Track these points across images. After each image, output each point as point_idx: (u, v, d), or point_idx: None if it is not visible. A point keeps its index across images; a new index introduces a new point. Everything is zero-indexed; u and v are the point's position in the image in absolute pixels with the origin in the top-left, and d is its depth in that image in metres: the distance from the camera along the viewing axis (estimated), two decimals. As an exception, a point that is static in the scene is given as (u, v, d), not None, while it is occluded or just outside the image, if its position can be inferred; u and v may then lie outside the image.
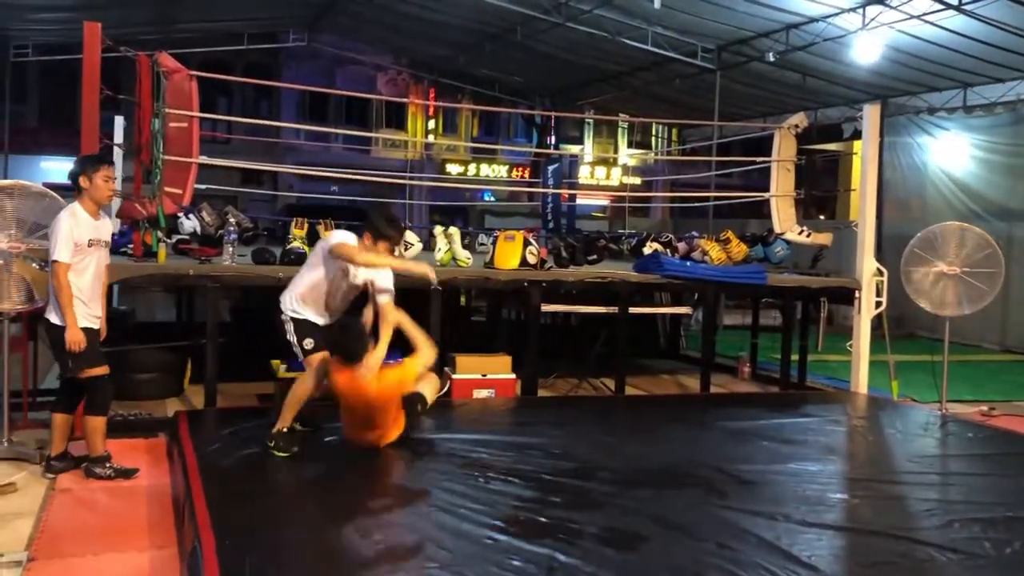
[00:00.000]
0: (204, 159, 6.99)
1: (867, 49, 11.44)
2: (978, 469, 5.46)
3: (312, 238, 7.06)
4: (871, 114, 7.95)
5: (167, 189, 6.48)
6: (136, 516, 4.53)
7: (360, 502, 4.19)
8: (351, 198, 16.65)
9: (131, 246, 6.81)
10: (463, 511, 4.14)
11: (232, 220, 6.63)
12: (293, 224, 7.03)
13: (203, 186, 8.71)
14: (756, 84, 14.56)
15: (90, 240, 5.02)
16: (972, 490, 4.94)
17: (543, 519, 4.07)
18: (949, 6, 10.05)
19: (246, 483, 4.52)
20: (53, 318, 4.99)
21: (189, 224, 8.14)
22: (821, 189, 14.93)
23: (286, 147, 25.04)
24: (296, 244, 6.79)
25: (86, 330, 4.97)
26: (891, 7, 10.59)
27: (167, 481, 5.07)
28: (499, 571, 3.42)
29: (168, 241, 6.81)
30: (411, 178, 22.42)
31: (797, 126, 8.27)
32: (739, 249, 8.06)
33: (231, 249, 6.43)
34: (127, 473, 5.11)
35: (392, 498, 4.29)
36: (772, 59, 12.64)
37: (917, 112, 14.05)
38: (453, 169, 27.32)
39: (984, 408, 7.93)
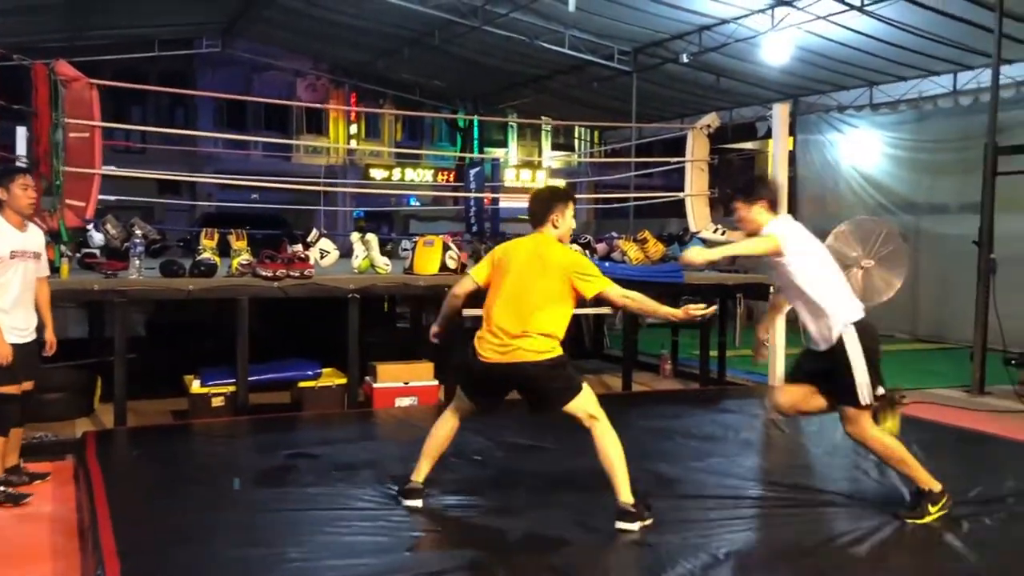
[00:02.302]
0: (110, 170, 6.78)
1: (777, 50, 11.71)
2: (889, 457, 5.60)
3: (223, 248, 6.89)
4: (780, 112, 8.11)
5: (69, 202, 6.25)
6: (38, 543, 4.33)
7: (272, 520, 4.09)
8: (274, 206, 16.26)
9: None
10: (381, 524, 4.08)
11: (138, 232, 6.41)
12: (203, 235, 6.84)
13: (113, 197, 8.45)
14: (672, 86, 14.77)
15: (12, 252, 4.85)
16: (884, 478, 5.05)
17: (462, 528, 4.04)
18: (851, 7, 10.35)
19: (154, 506, 4.37)
20: None
21: (99, 237, 7.85)
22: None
23: (204, 156, 24.48)
24: (207, 255, 6.61)
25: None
26: (798, 8, 10.86)
27: (73, 506, 4.87)
28: (415, 584, 3.37)
29: (71, 255, 6.55)
30: (333, 184, 22.15)
31: (709, 126, 8.40)
32: (656, 248, 8.15)
33: (137, 262, 6.22)
34: (16, 499, 4.90)
35: (306, 514, 4.18)
36: (686, 60, 12.85)
37: (827, 110, 14.44)
38: (377, 174, 27.08)
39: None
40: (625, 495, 4.04)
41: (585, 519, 4.15)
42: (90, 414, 7.08)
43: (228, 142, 20.71)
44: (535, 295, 4.14)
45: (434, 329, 4.63)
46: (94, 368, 7.25)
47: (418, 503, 4.24)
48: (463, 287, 4.36)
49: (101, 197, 7.39)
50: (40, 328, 5.13)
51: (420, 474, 4.28)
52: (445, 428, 4.30)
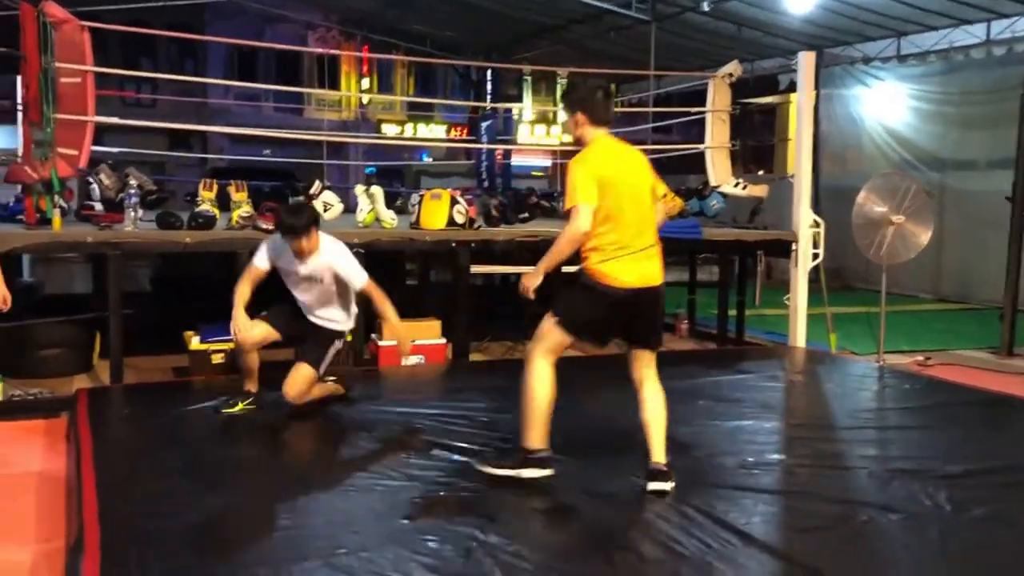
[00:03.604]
0: (105, 119, 6.51)
1: (802, -3, 11.23)
2: (915, 422, 5.35)
3: (222, 200, 6.65)
4: (805, 62, 7.73)
5: (61, 150, 5.99)
6: (24, 506, 4.14)
7: (266, 485, 3.89)
8: (285, 160, 16.00)
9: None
10: (378, 490, 3.86)
11: (133, 183, 6.15)
12: (201, 186, 6.58)
13: (116, 150, 8.21)
14: (692, 36, 14.27)
15: None
16: (910, 444, 4.82)
17: (464, 495, 3.81)
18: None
19: (142, 467, 4.18)
20: None
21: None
22: (749, 140, 14.78)
23: (215, 108, 24.14)
24: (205, 207, 6.36)
25: None
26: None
27: (64, 466, 4.69)
28: (412, 555, 3.15)
29: (65, 206, 6.32)
30: (344, 138, 21.77)
31: (731, 75, 8.02)
32: (674, 203, 7.82)
33: (132, 214, 5.98)
34: None
35: (301, 480, 3.97)
36: (707, 9, 12.37)
37: (852, 62, 13.95)
38: (389, 129, 26.70)
39: (920, 358, 7.88)
40: (661, 455, 3.86)
41: (592, 486, 3.93)
42: (89, 370, 6.91)
43: (239, 95, 20.39)
44: (650, 209, 3.88)
45: (536, 281, 3.84)
46: (92, 323, 7.05)
47: (550, 471, 3.85)
48: (589, 219, 3.66)
49: (111, 150, 7.19)
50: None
51: (542, 439, 3.82)
52: (551, 384, 3.88)
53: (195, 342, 6.38)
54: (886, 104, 13.70)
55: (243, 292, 5.04)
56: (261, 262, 5.12)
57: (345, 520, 3.51)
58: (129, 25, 11.42)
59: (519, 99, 28.81)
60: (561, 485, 3.95)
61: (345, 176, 22.96)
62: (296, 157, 18.18)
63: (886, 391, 6.26)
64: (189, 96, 18.04)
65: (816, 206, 8.13)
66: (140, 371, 6.78)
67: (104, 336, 6.79)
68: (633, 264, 3.76)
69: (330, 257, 5.09)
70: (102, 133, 14.10)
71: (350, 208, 7.48)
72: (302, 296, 5.21)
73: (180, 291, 9.37)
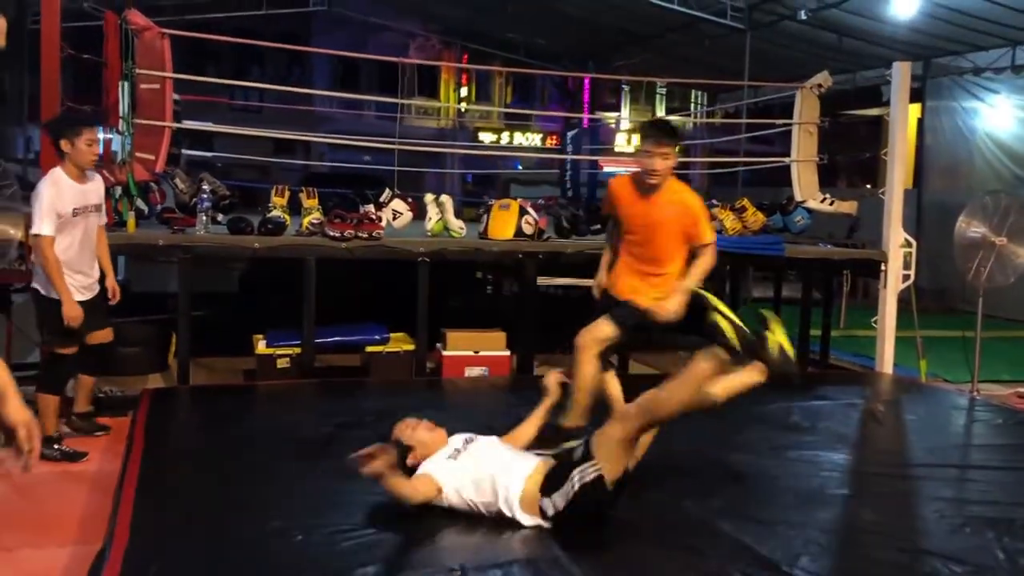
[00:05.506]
0: (188, 125, 6.68)
1: (906, 4, 10.68)
2: (1003, 462, 4.92)
3: (294, 206, 6.71)
4: (900, 72, 7.30)
5: (139, 155, 6.17)
6: (73, 506, 4.22)
7: (305, 506, 3.74)
8: (386, 167, 16.22)
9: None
10: (395, 516, 3.68)
11: (206, 187, 6.26)
12: (273, 191, 6.66)
13: (211, 154, 8.35)
14: (789, 45, 13.79)
15: (75, 209, 4.86)
16: (993, 487, 4.42)
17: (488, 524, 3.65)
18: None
19: (189, 473, 4.17)
20: (40, 288, 4.87)
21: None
22: (852, 154, 14.14)
23: (320, 116, 24.72)
24: (276, 213, 6.43)
25: None
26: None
27: (119, 467, 4.76)
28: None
29: (145, 209, 6.49)
30: (441, 146, 21.96)
31: (820, 85, 7.65)
32: (755, 218, 7.51)
33: (204, 218, 6.09)
34: (74, 457, 4.84)
35: (345, 502, 3.81)
36: (805, 17, 11.92)
37: (961, 73, 13.23)
38: (486, 137, 26.85)
39: (1021, 390, 7.34)
40: None
41: (633, 517, 3.69)
42: (164, 370, 7.08)
43: (342, 103, 20.81)
44: None
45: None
46: (168, 323, 7.21)
47: None
48: None
49: (205, 154, 7.37)
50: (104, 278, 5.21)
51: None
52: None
53: (261, 346, 6.45)
54: (997, 117, 12.94)
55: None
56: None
57: (379, 547, 3.36)
58: (238, 35, 11.71)
59: (617, 107, 28.59)
60: (601, 517, 3.75)
61: (442, 184, 23.20)
62: (394, 165, 18.41)
63: (975, 425, 5.82)
64: (292, 103, 18.52)
65: (918, 223, 7.66)
66: (212, 372, 6.91)
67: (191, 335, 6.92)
68: None
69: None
70: (210, 139, 14.64)
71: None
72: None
73: (264, 292, 9.54)
